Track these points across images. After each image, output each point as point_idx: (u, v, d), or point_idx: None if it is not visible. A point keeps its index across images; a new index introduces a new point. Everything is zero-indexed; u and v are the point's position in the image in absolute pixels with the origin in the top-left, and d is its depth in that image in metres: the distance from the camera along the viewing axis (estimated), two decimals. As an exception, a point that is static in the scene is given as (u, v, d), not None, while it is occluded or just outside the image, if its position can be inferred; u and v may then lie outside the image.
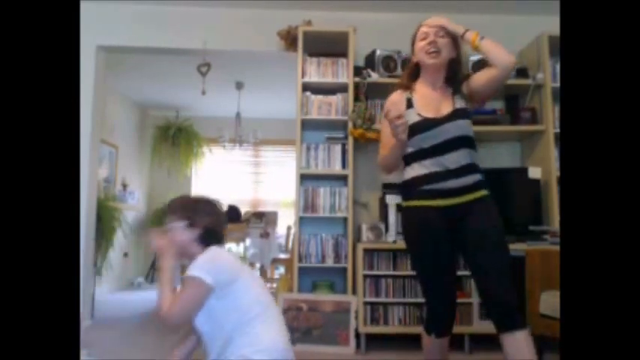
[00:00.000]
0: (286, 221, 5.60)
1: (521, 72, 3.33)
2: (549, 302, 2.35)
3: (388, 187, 3.33)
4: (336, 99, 3.32)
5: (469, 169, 1.73)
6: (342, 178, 3.33)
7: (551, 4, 3.26)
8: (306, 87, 3.33)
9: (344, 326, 2.97)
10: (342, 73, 3.31)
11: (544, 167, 3.25)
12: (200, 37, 3.60)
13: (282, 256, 5.00)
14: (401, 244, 3.05)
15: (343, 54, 3.32)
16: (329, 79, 3.31)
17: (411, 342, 2.98)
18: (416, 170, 1.77)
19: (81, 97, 3.40)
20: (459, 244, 1.73)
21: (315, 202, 3.24)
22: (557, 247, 2.52)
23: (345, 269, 3.16)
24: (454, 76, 1.81)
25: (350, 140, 3.23)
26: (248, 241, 4.67)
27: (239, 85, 5.41)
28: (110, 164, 5.47)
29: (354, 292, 3.06)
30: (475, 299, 2.90)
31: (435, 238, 1.73)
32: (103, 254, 3.97)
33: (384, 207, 3.25)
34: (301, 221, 3.24)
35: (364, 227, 3.15)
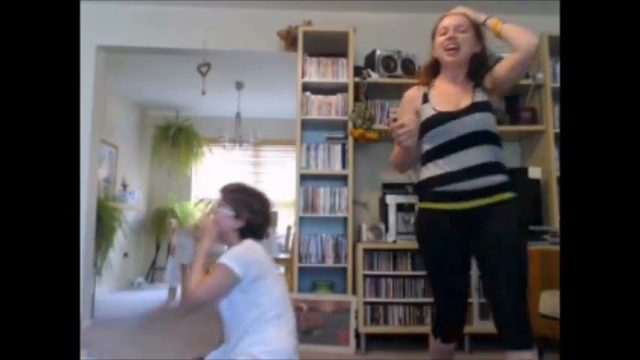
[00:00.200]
0: (286, 221, 5.60)
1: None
2: (549, 302, 2.35)
3: (388, 187, 3.33)
4: (336, 99, 3.32)
5: (488, 168, 1.59)
6: (342, 178, 3.33)
7: (551, 4, 3.26)
8: (306, 87, 3.33)
9: (344, 326, 2.97)
10: (342, 73, 3.31)
11: (544, 167, 3.25)
12: (200, 37, 3.60)
13: (282, 256, 5.00)
14: (401, 244, 3.06)
15: (343, 54, 3.32)
16: (329, 79, 3.31)
17: (411, 342, 2.99)
18: (430, 170, 1.67)
19: (81, 97, 3.40)
20: (472, 249, 1.64)
21: (315, 202, 3.24)
22: (557, 247, 2.52)
23: (345, 269, 3.16)
24: (477, 70, 1.70)
25: (350, 140, 3.24)
26: (248, 241, 4.65)
27: (239, 85, 5.41)
28: (110, 164, 5.47)
29: (354, 292, 3.06)
30: (475, 299, 2.90)
31: (443, 240, 1.65)
32: (103, 254, 3.97)
33: (384, 207, 3.25)
34: (301, 221, 3.23)
35: (364, 227, 3.15)
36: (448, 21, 1.71)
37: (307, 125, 3.39)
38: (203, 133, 6.28)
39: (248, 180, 6.88)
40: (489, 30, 1.68)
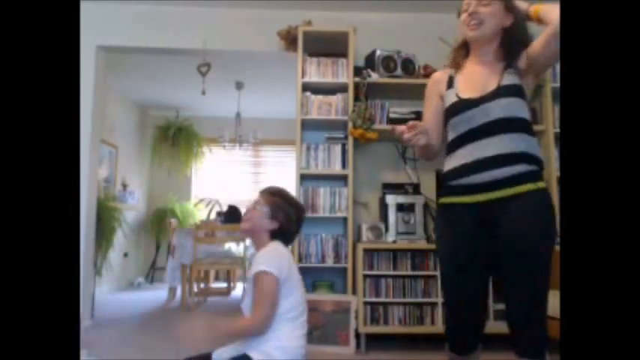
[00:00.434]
0: (286, 221, 5.59)
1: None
2: (549, 302, 2.35)
3: (388, 187, 3.33)
4: (336, 99, 3.32)
5: (515, 158, 1.43)
6: (342, 178, 3.33)
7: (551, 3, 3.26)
8: (306, 87, 3.33)
9: (344, 326, 2.97)
10: (342, 73, 3.32)
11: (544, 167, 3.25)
12: (200, 37, 3.60)
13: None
14: (401, 244, 3.06)
15: (343, 54, 3.32)
16: (329, 79, 3.31)
17: (411, 342, 2.99)
18: (451, 162, 1.55)
19: (81, 97, 3.40)
20: (492, 248, 1.48)
21: (315, 202, 3.24)
22: (557, 247, 2.52)
23: (345, 269, 3.16)
24: (508, 47, 1.53)
25: (350, 140, 3.24)
26: (248, 241, 4.66)
27: (239, 85, 5.41)
28: (110, 164, 5.47)
29: (354, 292, 3.06)
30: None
31: (458, 237, 1.51)
32: (103, 254, 3.97)
33: (384, 207, 3.25)
34: (301, 221, 3.23)
35: (364, 227, 3.15)
36: None
37: (307, 125, 3.39)
38: (203, 133, 6.28)
39: (248, 180, 6.88)
40: (532, 20, 1.52)
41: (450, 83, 1.59)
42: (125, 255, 5.75)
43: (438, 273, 2.93)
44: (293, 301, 1.62)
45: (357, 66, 3.36)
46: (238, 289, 5.51)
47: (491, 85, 1.49)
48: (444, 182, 1.58)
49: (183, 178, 6.41)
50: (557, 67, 3.33)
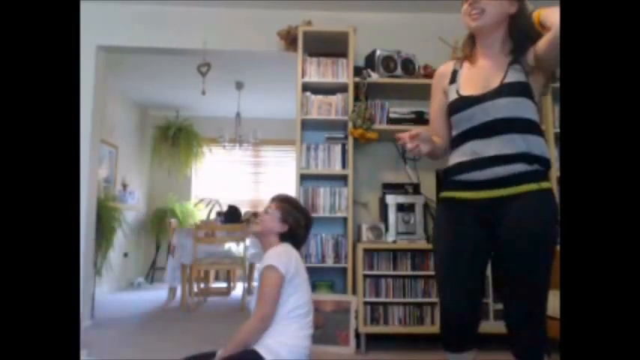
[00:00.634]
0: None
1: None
2: (549, 302, 2.35)
3: (388, 187, 3.33)
4: (336, 99, 3.32)
5: (515, 158, 1.40)
6: (342, 178, 3.33)
7: (550, 3, 3.25)
8: (306, 87, 3.33)
9: (344, 326, 2.97)
10: (342, 73, 3.31)
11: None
12: (200, 37, 3.60)
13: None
14: (401, 244, 3.06)
15: (343, 54, 3.32)
16: (329, 79, 3.31)
17: (411, 342, 2.99)
18: (453, 158, 1.52)
19: (81, 97, 3.40)
20: (492, 247, 1.47)
21: (315, 202, 3.24)
22: (557, 247, 2.52)
23: (345, 269, 3.16)
24: (515, 38, 1.47)
25: (350, 140, 3.23)
26: (248, 241, 4.67)
27: (239, 85, 5.41)
28: (110, 164, 5.47)
29: (354, 292, 3.06)
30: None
31: (457, 237, 1.48)
32: (103, 254, 3.97)
33: (384, 207, 3.25)
34: (301, 221, 3.23)
35: (364, 227, 3.15)
36: None
37: (307, 125, 3.39)
38: (203, 133, 6.28)
39: (248, 180, 6.88)
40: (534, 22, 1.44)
41: (453, 78, 1.55)
42: (125, 255, 5.75)
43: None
44: (299, 299, 1.67)
45: (357, 66, 3.36)
46: (238, 289, 5.51)
47: (495, 82, 1.45)
48: (446, 177, 1.56)
49: (183, 178, 6.41)
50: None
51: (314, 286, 3.25)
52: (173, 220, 5.35)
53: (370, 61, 3.35)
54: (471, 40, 1.56)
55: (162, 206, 6.29)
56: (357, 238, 3.22)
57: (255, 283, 4.99)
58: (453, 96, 1.52)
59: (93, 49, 3.59)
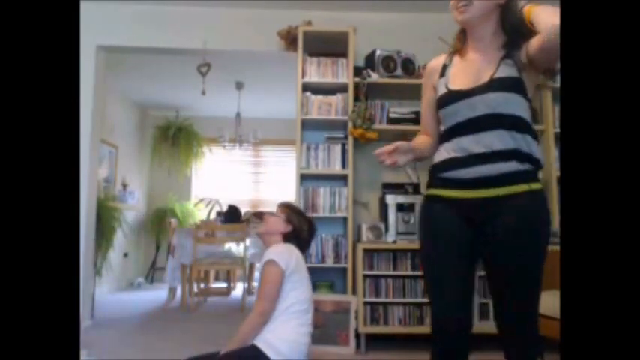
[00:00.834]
0: (286, 221, 5.59)
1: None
2: (549, 302, 2.35)
3: (388, 187, 3.34)
4: (336, 99, 3.32)
5: (502, 156, 1.34)
6: (342, 178, 3.33)
7: (550, 3, 3.25)
8: (306, 87, 3.33)
9: (344, 326, 2.97)
10: (342, 73, 3.32)
11: (544, 167, 3.25)
12: (200, 37, 3.60)
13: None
14: (401, 244, 3.06)
15: (343, 54, 3.32)
16: (329, 79, 3.31)
17: (411, 342, 2.99)
18: (440, 155, 1.47)
19: (81, 97, 3.40)
20: (480, 250, 1.40)
21: (315, 202, 3.24)
22: (557, 247, 2.52)
23: (345, 269, 3.16)
24: (507, 30, 1.41)
25: (350, 140, 3.24)
26: (248, 241, 4.67)
27: (239, 85, 5.41)
28: (110, 164, 5.47)
29: (354, 292, 3.06)
30: (475, 299, 2.90)
31: (441, 233, 1.42)
32: (103, 254, 3.97)
33: (384, 207, 3.25)
34: (301, 221, 3.23)
35: (364, 227, 3.15)
36: None
37: (307, 125, 3.39)
38: (203, 133, 6.28)
39: (248, 180, 6.88)
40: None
41: (443, 72, 1.50)
42: (125, 255, 5.75)
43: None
44: (299, 295, 1.70)
45: (357, 66, 3.36)
46: (238, 289, 5.51)
47: (485, 77, 1.38)
48: (432, 174, 1.50)
49: (183, 178, 6.41)
50: (557, 66, 3.32)
51: (314, 286, 3.25)
52: (173, 220, 5.35)
53: (370, 61, 3.35)
54: (462, 34, 1.50)
55: (163, 206, 6.29)
56: (357, 238, 3.22)
57: (255, 284, 4.98)
58: (441, 90, 1.47)
59: (93, 49, 3.59)
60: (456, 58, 1.50)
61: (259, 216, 5.36)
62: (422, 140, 1.58)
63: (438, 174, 1.46)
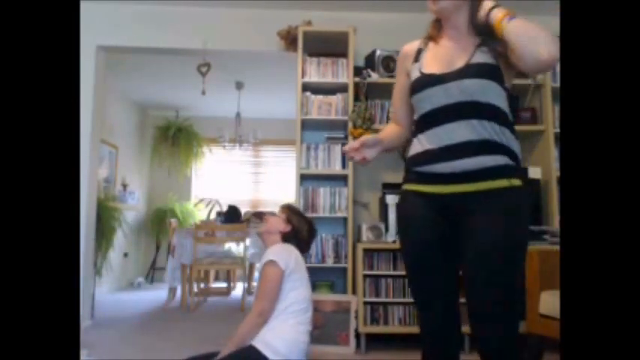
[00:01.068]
0: (286, 221, 5.59)
1: (521, 72, 3.34)
2: (549, 302, 2.35)
3: (388, 187, 3.33)
4: (336, 99, 3.32)
5: (480, 147, 1.26)
6: (342, 178, 3.33)
7: (551, 4, 3.26)
8: (306, 87, 3.33)
9: (344, 326, 2.97)
10: (342, 73, 3.32)
11: (544, 167, 3.25)
12: (200, 37, 3.60)
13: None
14: (401, 244, 3.06)
15: (343, 54, 3.32)
16: (329, 79, 3.31)
17: (411, 342, 2.98)
18: (414, 147, 1.40)
19: (81, 97, 3.40)
20: (459, 249, 1.32)
21: (315, 202, 3.24)
22: (557, 247, 2.52)
23: (345, 269, 3.16)
24: (476, 28, 1.35)
25: (350, 140, 3.23)
26: (248, 241, 4.66)
27: (239, 85, 5.41)
28: (110, 164, 5.47)
29: (354, 292, 3.06)
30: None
31: (418, 231, 1.35)
32: (103, 254, 3.97)
33: (384, 207, 3.25)
34: (301, 221, 3.23)
35: (364, 227, 3.15)
36: None
37: (307, 125, 3.39)
38: (203, 133, 6.28)
39: (248, 180, 6.88)
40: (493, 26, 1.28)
41: (417, 57, 1.43)
42: (125, 255, 5.75)
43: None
44: (298, 295, 1.71)
45: (357, 66, 3.36)
46: (238, 289, 5.51)
47: (460, 63, 1.32)
48: (407, 168, 1.43)
49: (183, 178, 6.41)
50: (557, 67, 3.33)
51: (314, 286, 3.25)
52: (173, 220, 5.35)
53: (370, 61, 3.35)
54: (438, 22, 1.45)
55: (163, 206, 6.29)
56: (357, 238, 3.22)
57: (255, 284, 4.98)
58: (415, 75, 1.40)
59: (93, 49, 3.58)
60: (431, 44, 1.44)
61: (259, 216, 5.36)
62: (390, 129, 1.55)
63: (414, 167, 1.39)
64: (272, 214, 1.97)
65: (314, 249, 3.19)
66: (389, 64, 3.32)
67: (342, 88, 3.32)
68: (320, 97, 3.33)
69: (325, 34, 3.33)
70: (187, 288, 4.46)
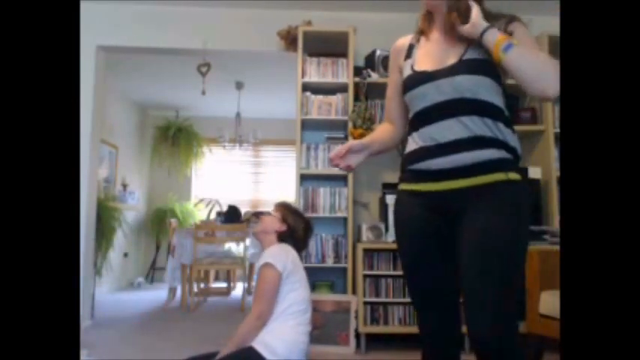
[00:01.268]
0: (286, 221, 5.59)
1: None
2: (549, 302, 2.35)
3: (388, 187, 3.33)
4: (336, 99, 3.32)
5: (474, 143, 1.23)
6: (342, 178, 3.33)
7: (551, 4, 3.26)
8: (306, 87, 3.33)
9: (344, 326, 2.97)
10: (342, 73, 3.32)
11: (544, 167, 3.25)
12: (200, 37, 3.60)
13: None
14: (401, 244, 3.06)
15: (343, 54, 3.32)
16: (329, 79, 3.31)
17: (411, 342, 2.98)
18: (409, 146, 1.36)
19: (81, 97, 3.40)
20: (455, 247, 1.27)
21: (315, 202, 3.24)
22: (557, 247, 2.52)
23: (345, 269, 3.16)
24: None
25: (350, 140, 3.23)
26: (248, 241, 4.66)
27: (239, 85, 5.41)
28: (110, 164, 5.47)
29: (354, 292, 3.06)
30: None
31: (412, 230, 1.33)
32: (103, 254, 3.97)
33: (384, 207, 3.25)
34: (301, 221, 3.23)
35: (364, 227, 3.15)
36: None
37: (307, 125, 3.39)
38: (203, 133, 6.28)
39: (248, 180, 6.88)
40: (489, 49, 1.23)
41: (409, 53, 1.40)
42: (125, 255, 5.75)
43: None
44: (297, 296, 1.70)
45: (357, 66, 3.36)
46: (238, 289, 5.51)
47: (452, 59, 1.29)
48: (403, 167, 1.40)
49: (183, 178, 6.41)
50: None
51: (314, 286, 3.25)
52: (173, 220, 5.35)
53: (370, 61, 3.35)
54: (429, 14, 1.41)
55: (163, 206, 6.29)
56: (357, 238, 3.23)
57: (255, 283, 4.98)
58: (407, 72, 1.37)
59: (93, 49, 3.59)
60: (423, 39, 1.41)
61: (259, 216, 5.37)
62: (382, 130, 1.49)
63: (409, 166, 1.35)
64: (268, 213, 1.95)
65: (314, 249, 3.19)
66: (389, 64, 3.31)
67: (342, 88, 3.32)
68: (320, 97, 3.33)
69: (325, 34, 3.33)
70: (187, 288, 4.46)
